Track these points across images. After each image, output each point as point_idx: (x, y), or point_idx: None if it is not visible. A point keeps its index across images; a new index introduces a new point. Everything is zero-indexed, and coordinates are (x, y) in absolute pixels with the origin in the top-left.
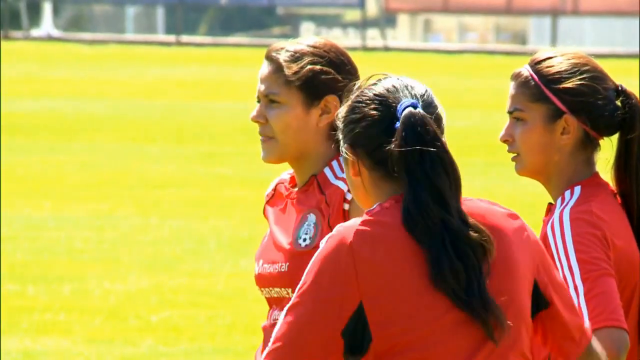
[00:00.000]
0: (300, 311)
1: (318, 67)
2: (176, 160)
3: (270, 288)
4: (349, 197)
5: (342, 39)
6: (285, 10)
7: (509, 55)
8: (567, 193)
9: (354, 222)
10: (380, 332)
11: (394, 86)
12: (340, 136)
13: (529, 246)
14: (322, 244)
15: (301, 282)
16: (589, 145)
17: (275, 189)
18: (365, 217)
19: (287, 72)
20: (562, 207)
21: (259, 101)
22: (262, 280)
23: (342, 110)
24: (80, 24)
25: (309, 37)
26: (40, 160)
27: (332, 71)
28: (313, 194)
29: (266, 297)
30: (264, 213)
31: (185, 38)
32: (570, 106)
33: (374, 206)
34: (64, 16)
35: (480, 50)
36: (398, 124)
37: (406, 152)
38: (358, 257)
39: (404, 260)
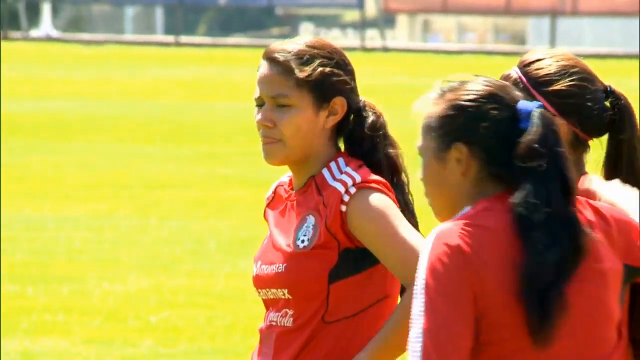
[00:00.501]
0: (434, 312)
1: (328, 69)
2: (175, 161)
3: (267, 289)
4: (346, 198)
5: (341, 39)
6: (284, 11)
7: (507, 55)
8: None
9: (456, 225)
10: (487, 332)
11: (502, 86)
12: (440, 134)
13: (614, 240)
14: (426, 247)
15: (420, 290)
16: (578, 146)
17: (275, 192)
18: (465, 220)
19: (300, 74)
20: None
21: (258, 105)
22: (260, 281)
23: (445, 110)
24: (79, 24)
25: (304, 37)
26: (40, 160)
27: (341, 73)
28: (311, 196)
29: (263, 299)
30: (264, 216)
31: (184, 38)
32: (559, 109)
33: (466, 209)
34: (63, 17)
35: (479, 50)
36: (527, 124)
37: (540, 150)
38: (468, 259)
39: (503, 266)
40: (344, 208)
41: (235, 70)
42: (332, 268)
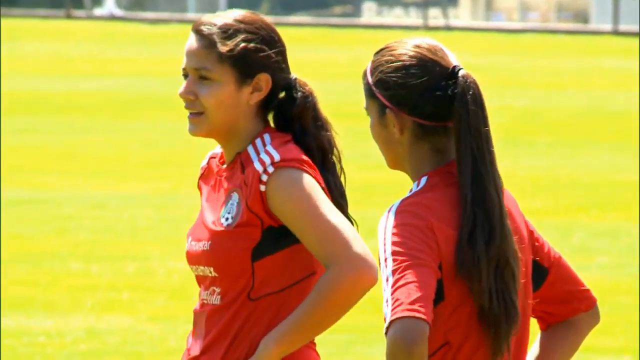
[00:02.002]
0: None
1: (252, 44)
2: None
3: (197, 266)
4: (264, 178)
5: (403, 18)
6: None
7: (570, 34)
8: (415, 184)
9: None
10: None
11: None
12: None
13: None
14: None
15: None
16: (427, 134)
17: (208, 164)
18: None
19: (222, 48)
20: (402, 199)
21: (185, 76)
22: (190, 258)
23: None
24: (142, 3)
25: (235, 11)
26: (103, 139)
27: (266, 48)
28: (237, 173)
29: (195, 275)
30: (198, 187)
31: None
32: (389, 100)
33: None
34: None
35: (542, 29)
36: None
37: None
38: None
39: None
40: (263, 188)
41: (297, 49)
42: (255, 246)
